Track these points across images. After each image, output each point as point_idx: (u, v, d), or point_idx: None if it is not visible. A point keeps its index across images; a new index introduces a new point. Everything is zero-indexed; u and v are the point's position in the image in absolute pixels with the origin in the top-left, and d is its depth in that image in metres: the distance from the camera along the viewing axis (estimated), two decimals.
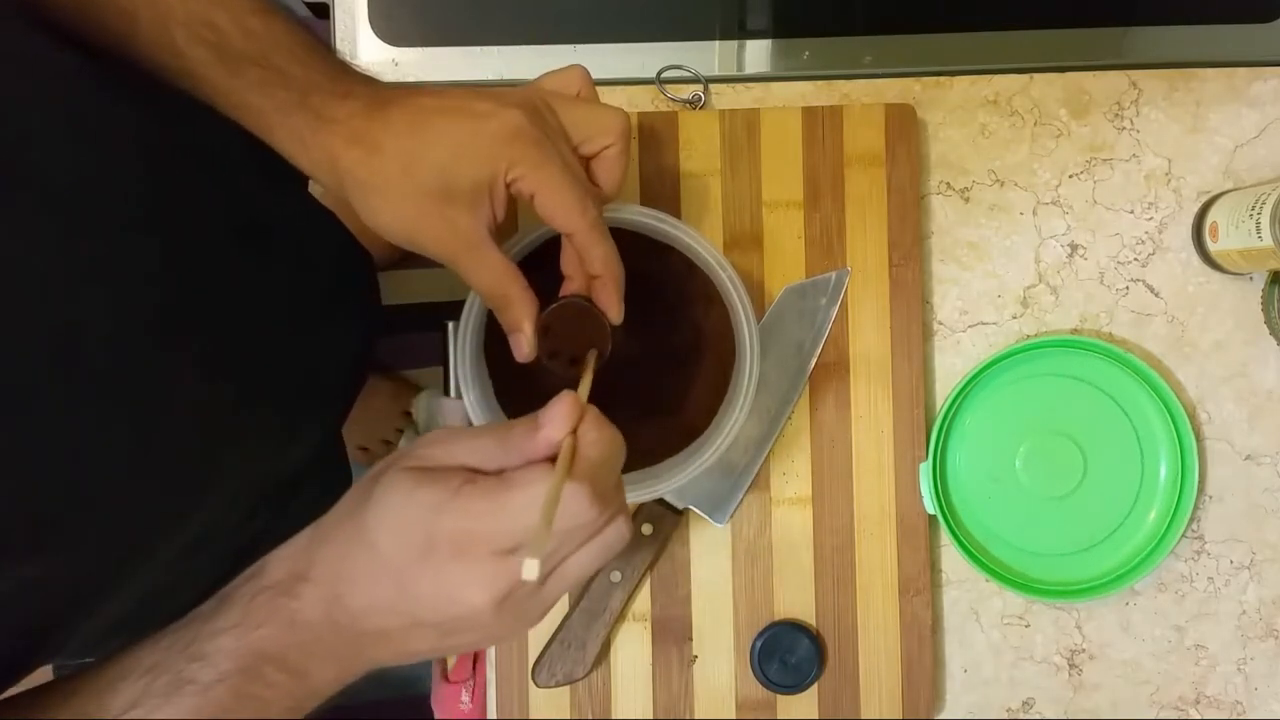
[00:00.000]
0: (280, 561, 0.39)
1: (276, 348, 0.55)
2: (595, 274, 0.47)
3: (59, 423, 0.37)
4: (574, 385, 0.42)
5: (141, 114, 0.44)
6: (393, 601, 0.36)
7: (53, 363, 0.37)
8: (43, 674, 0.42)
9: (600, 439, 0.37)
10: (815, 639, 0.61)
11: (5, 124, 0.37)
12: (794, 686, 0.61)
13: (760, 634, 0.61)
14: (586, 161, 0.47)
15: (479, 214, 0.43)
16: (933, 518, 0.62)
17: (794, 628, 0.61)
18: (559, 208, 0.44)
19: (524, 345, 0.47)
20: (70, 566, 0.40)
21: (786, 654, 0.61)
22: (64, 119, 0.40)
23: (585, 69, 0.48)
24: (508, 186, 0.43)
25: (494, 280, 0.45)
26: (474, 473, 0.36)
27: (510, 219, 0.57)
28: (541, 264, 0.50)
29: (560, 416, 0.36)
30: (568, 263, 0.49)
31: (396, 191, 0.42)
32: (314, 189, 0.65)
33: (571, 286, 0.49)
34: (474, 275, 0.45)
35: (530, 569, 0.32)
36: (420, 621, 0.36)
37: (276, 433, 0.57)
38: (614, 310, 0.48)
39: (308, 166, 0.43)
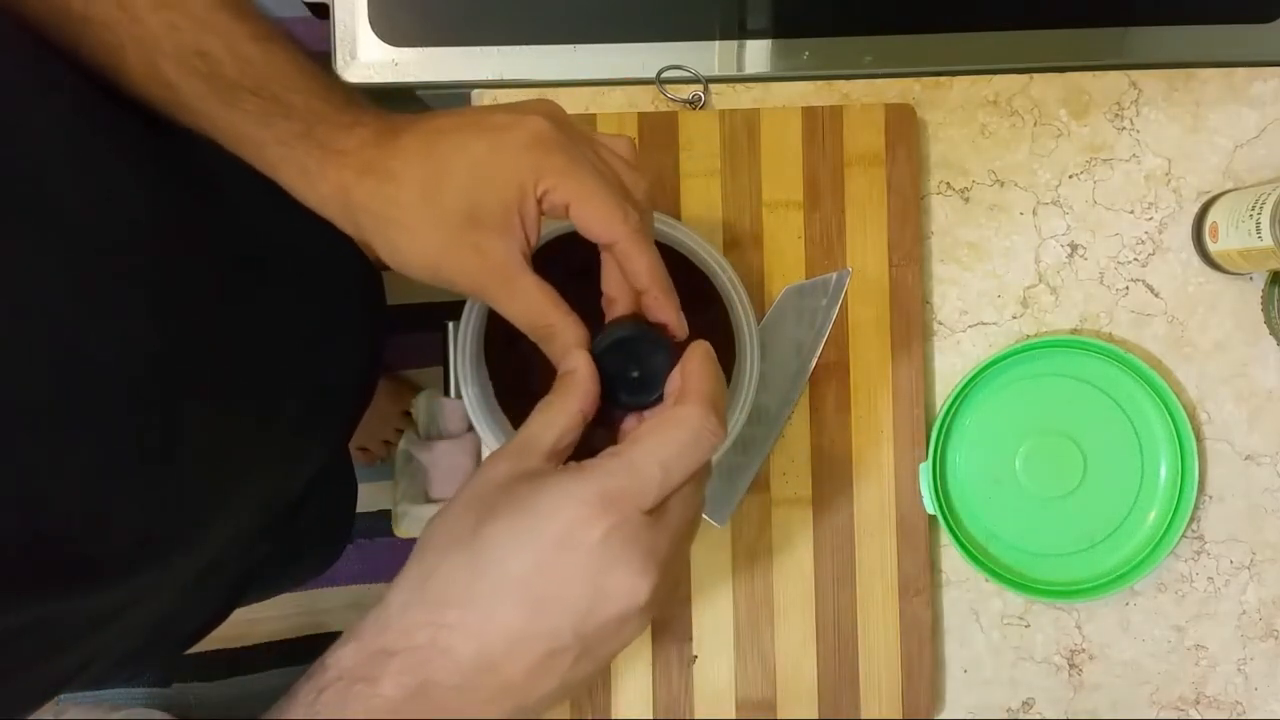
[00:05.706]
0: (345, 649, 0.34)
1: (284, 371, 0.54)
2: (642, 287, 0.42)
3: (64, 454, 0.36)
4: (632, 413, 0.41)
5: (142, 140, 0.43)
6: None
7: (56, 393, 0.36)
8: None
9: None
10: (667, 348, 0.42)
11: (9, 150, 0.36)
12: (641, 402, 0.42)
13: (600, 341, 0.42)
14: None
15: (511, 238, 0.39)
16: (933, 518, 0.62)
17: (640, 331, 0.43)
18: (596, 215, 0.39)
19: (582, 373, 0.41)
20: (77, 597, 0.39)
21: (633, 364, 0.42)
22: (66, 146, 0.39)
23: (633, 142, 0.44)
24: (539, 201, 0.39)
25: (536, 311, 0.41)
26: None
27: None
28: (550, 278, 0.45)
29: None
30: (610, 282, 0.43)
31: (418, 222, 0.39)
32: None
33: (617, 309, 0.43)
34: (511, 307, 0.41)
35: None
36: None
37: (285, 454, 0.56)
38: (674, 322, 0.42)
39: (316, 202, 0.40)
